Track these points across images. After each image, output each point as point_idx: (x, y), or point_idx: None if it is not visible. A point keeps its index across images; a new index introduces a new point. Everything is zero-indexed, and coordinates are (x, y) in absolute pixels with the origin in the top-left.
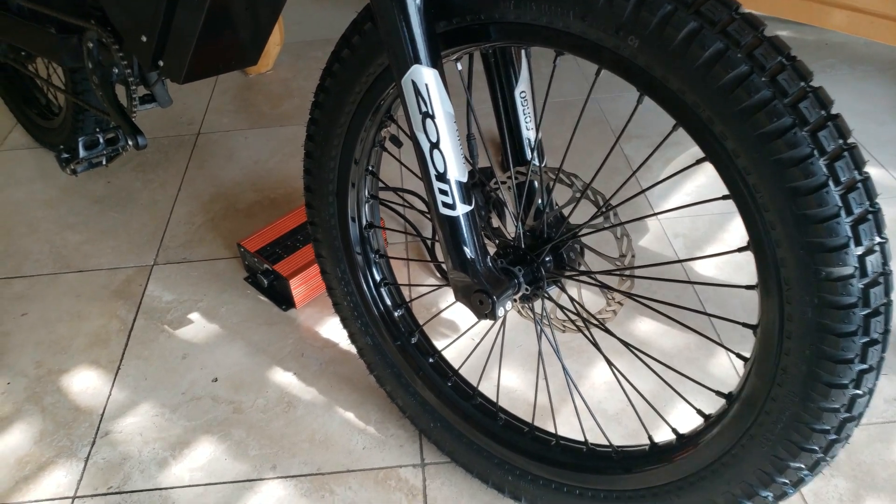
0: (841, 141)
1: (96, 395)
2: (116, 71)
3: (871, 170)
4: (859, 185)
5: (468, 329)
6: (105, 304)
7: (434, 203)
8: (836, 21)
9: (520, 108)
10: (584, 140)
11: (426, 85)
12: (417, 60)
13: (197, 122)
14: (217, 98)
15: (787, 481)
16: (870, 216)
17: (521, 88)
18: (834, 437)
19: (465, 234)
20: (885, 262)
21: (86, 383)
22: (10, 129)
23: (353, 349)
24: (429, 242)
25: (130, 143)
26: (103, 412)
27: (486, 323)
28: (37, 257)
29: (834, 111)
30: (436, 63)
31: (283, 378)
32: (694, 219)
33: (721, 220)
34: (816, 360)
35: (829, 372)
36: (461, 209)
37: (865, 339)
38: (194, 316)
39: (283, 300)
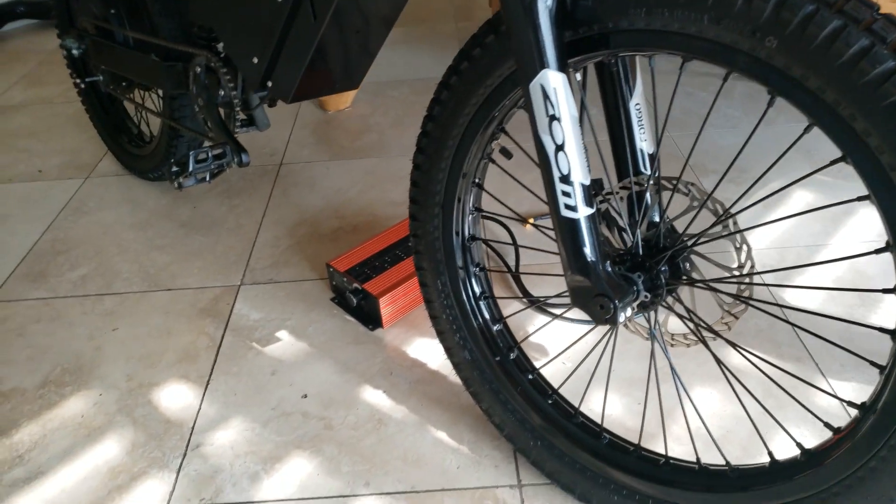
0: None
1: (186, 408)
2: (222, 93)
3: None
4: None
5: (567, 348)
6: (193, 321)
7: (556, 206)
8: None
9: (634, 120)
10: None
11: (554, 89)
12: (547, 65)
13: (279, 153)
14: (297, 132)
15: None
16: None
17: (636, 101)
18: None
19: (587, 237)
20: None
21: (176, 397)
22: (101, 156)
23: (442, 369)
24: (512, 272)
25: (235, 160)
26: (194, 425)
27: (583, 347)
28: (126, 276)
29: None
30: (563, 68)
31: (373, 396)
32: (821, 223)
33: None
34: None
35: None
36: (583, 212)
37: None
38: (282, 334)
39: (371, 320)
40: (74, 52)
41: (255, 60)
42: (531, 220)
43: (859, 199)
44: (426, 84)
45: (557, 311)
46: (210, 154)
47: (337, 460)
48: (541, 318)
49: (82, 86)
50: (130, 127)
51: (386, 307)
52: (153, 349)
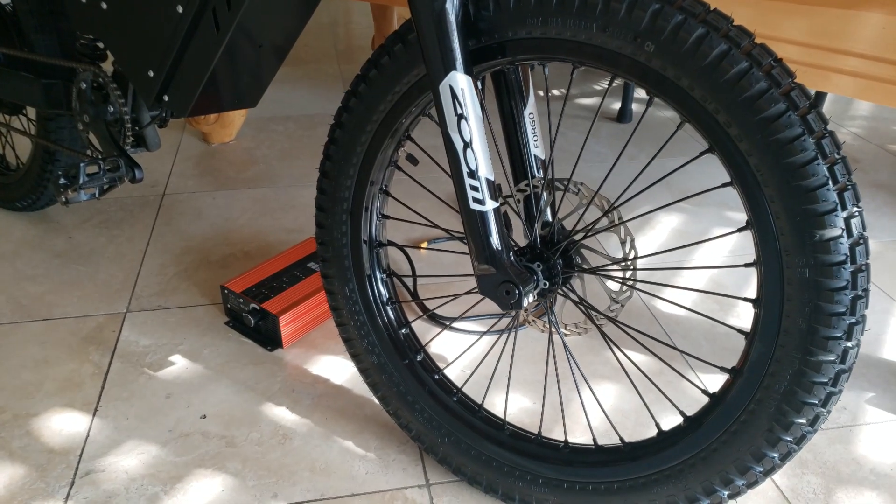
0: (823, 125)
1: (73, 436)
2: (111, 110)
3: None
4: (840, 160)
5: (468, 348)
6: (75, 350)
7: (465, 200)
8: (840, 86)
9: (528, 128)
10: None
11: (462, 90)
12: (455, 67)
13: (161, 183)
14: (180, 164)
15: (791, 438)
16: (849, 186)
17: (530, 110)
18: (831, 388)
19: (493, 229)
20: (863, 226)
21: (59, 425)
22: None
23: (345, 384)
24: (409, 282)
25: (129, 175)
26: (81, 452)
27: (482, 347)
28: None
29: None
30: (469, 71)
31: (276, 412)
32: (693, 214)
33: (716, 216)
34: (815, 316)
35: (825, 325)
36: (490, 205)
37: (854, 294)
38: (175, 358)
39: (269, 341)
40: None
41: (151, 74)
42: (425, 244)
43: (724, 185)
44: (312, 120)
45: (460, 326)
46: (102, 167)
47: (242, 475)
48: (445, 329)
49: None
50: None
51: (286, 326)
52: (29, 380)
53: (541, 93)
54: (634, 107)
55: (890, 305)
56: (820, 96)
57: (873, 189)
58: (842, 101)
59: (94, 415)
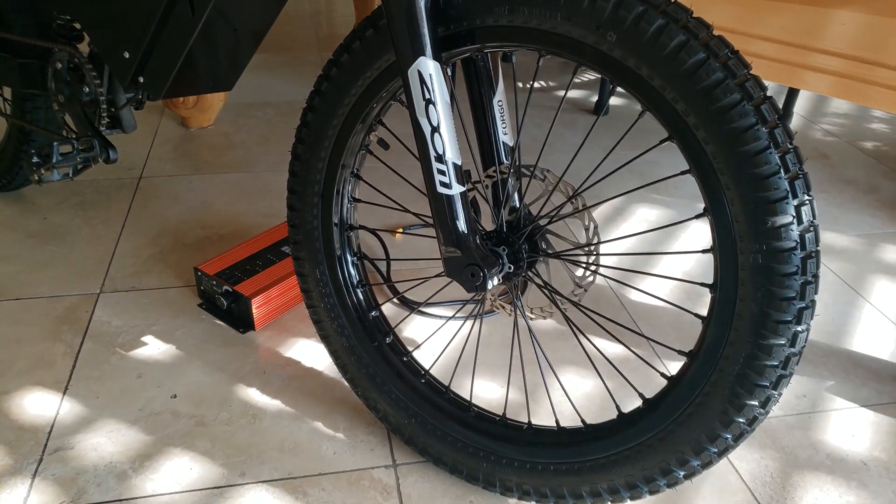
0: (776, 115)
1: (42, 414)
2: (87, 90)
3: None
4: (791, 150)
5: (434, 332)
6: (47, 329)
7: (432, 183)
8: (815, 84)
9: (497, 116)
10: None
11: (430, 75)
12: (423, 53)
13: (138, 167)
14: (158, 148)
15: (744, 420)
16: (800, 175)
17: (498, 98)
18: (781, 371)
19: (460, 212)
20: (814, 215)
21: (29, 403)
22: None
23: (316, 366)
24: (382, 267)
25: (103, 156)
26: (51, 430)
27: (453, 330)
28: None
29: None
30: (438, 57)
31: (246, 393)
32: (668, 205)
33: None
34: (766, 300)
35: (776, 310)
36: (456, 189)
37: (803, 279)
38: (147, 339)
39: (242, 323)
40: None
41: (127, 55)
42: (400, 231)
43: (682, 173)
44: (291, 106)
45: (430, 311)
46: (76, 146)
47: (211, 454)
48: (413, 312)
49: None
50: None
51: (258, 308)
52: (0, 358)
53: (520, 84)
54: (613, 101)
55: (854, 297)
56: (794, 93)
57: (842, 184)
58: (819, 98)
59: (64, 393)
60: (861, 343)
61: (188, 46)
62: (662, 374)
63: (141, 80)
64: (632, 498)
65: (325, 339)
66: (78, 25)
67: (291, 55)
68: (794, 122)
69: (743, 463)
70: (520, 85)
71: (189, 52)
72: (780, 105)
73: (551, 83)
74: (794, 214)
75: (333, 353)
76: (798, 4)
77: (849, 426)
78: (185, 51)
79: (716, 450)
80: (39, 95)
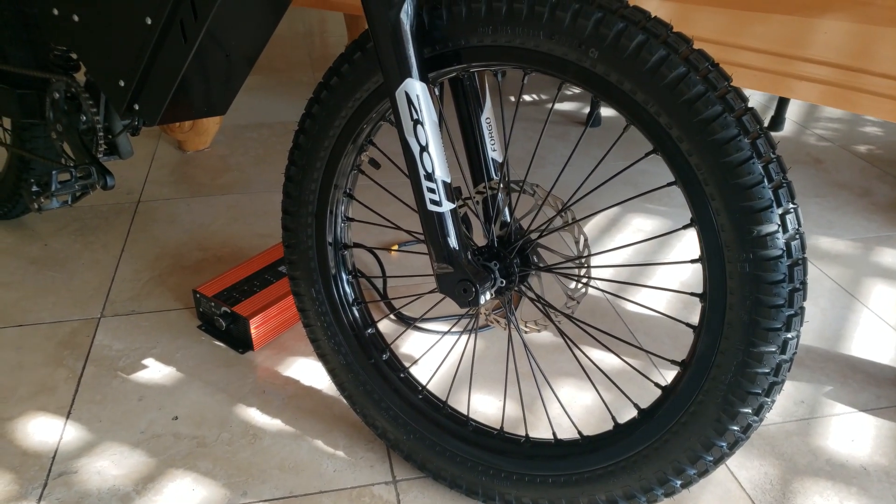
0: (758, 126)
1: (46, 439)
2: (84, 119)
3: None
4: (774, 159)
5: (431, 347)
6: (49, 354)
7: (422, 202)
8: (803, 93)
9: (485, 133)
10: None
11: (417, 96)
12: (410, 75)
13: (136, 191)
14: (155, 172)
15: (737, 427)
16: (784, 184)
17: (486, 115)
18: (773, 378)
19: (451, 229)
20: (799, 223)
21: (33, 429)
22: None
23: (315, 384)
24: (379, 283)
25: (101, 182)
26: (55, 455)
27: (449, 346)
28: None
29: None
30: (425, 78)
31: (246, 413)
32: (664, 215)
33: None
34: (755, 308)
35: (765, 317)
36: (446, 206)
37: (791, 286)
38: (148, 361)
39: (241, 343)
40: None
41: (122, 84)
42: (395, 247)
43: (669, 184)
44: (286, 127)
45: (427, 326)
46: (74, 174)
47: (213, 474)
48: (410, 328)
49: None
50: None
51: (257, 328)
52: (3, 384)
53: (512, 98)
54: (605, 112)
55: (850, 302)
56: (786, 100)
57: (836, 189)
58: (812, 104)
59: (67, 418)
60: (859, 347)
61: (181, 73)
62: (656, 384)
63: (136, 107)
64: None
65: (322, 357)
66: (74, 56)
67: (285, 76)
68: (787, 128)
69: (742, 470)
70: (511, 98)
71: (182, 78)
72: (773, 112)
73: (543, 96)
74: (780, 223)
75: (331, 371)
76: (783, 15)
77: (848, 431)
78: (178, 78)
79: (711, 458)
80: (38, 125)
